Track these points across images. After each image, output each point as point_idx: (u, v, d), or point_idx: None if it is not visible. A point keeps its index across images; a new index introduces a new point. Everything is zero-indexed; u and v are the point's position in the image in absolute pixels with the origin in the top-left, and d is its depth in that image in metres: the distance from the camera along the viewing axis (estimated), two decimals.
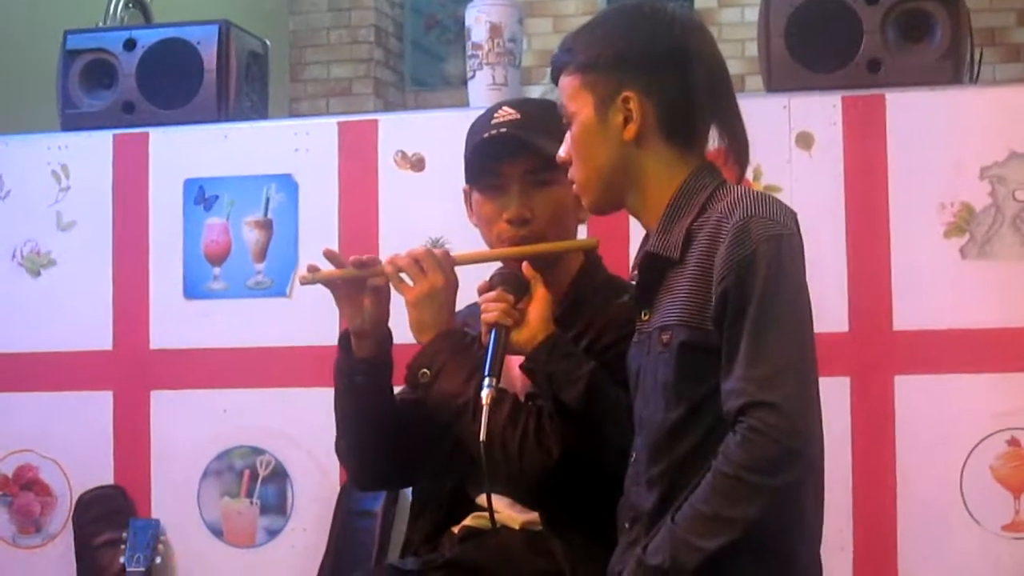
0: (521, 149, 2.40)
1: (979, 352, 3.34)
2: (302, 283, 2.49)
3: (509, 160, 2.42)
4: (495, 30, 3.77)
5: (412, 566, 2.42)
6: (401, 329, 2.44)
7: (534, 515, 2.37)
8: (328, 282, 2.47)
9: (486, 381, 2.22)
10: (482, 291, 2.36)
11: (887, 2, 3.48)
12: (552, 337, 2.29)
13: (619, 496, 2.18)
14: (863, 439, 3.35)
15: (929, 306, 3.37)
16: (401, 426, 2.49)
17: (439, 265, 2.39)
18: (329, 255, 2.47)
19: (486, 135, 2.44)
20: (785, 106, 3.45)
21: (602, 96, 2.13)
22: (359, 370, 2.47)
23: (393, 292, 2.44)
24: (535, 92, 6.34)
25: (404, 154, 3.66)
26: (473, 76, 3.81)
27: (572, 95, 2.16)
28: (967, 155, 3.36)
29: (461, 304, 2.47)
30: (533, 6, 6.98)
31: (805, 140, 3.44)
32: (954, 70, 3.46)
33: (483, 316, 2.31)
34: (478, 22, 3.79)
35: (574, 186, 2.20)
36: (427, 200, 3.60)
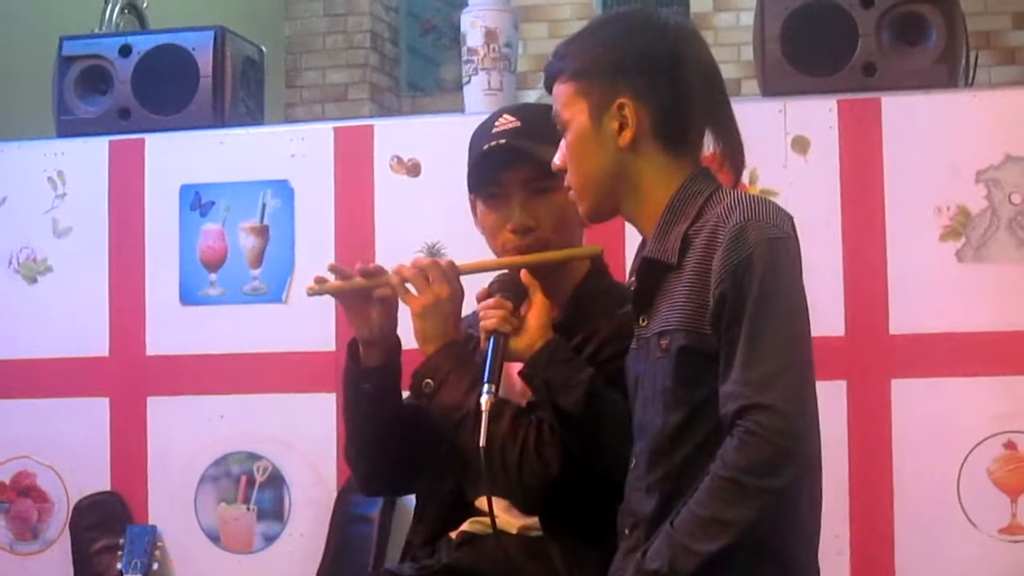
0: (521, 159, 2.40)
1: (975, 355, 3.34)
2: (309, 294, 2.49)
3: (510, 170, 2.42)
4: (491, 35, 3.77)
5: (409, 571, 2.43)
6: (410, 337, 2.44)
7: (532, 520, 2.37)
8: (334, 293, 2.47)
9: (485, 388, 2.22)
10: (481, 298, 2.36)
11: (882, 6, 3.48)
12: (551, 343, 2.29)
13: (617, 502, 2.18)
14: (859, 443, 3.35)
15: (925, 309, 3.38)
16: (409, 432, 2.49)
17: (444, 276, 2.39)
18: (334, 269, 2.47)
19: (486, 146, 2.44)
20: (781, 110, 3.45)
21: (597, 103, 2.13)
22: (367, 379, 2.47)
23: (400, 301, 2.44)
24: (530, 97, 6.34)
25: (400, 159, 3.66)
26: (469, 81, 3.81)
27: (566, 102, 2.17)
28: (963, 158, 3.37)
29: (466, 312, 2.47)
30: (528, 11, 6.99)
31: (801, 144, 3.45)
32: (949, 73, 3.47)
33: (482, 323, 2.32)
34: (474, 27, 3.79)
35: (570, 193, 2.21)
36: (423, 205, 3.60)
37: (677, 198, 2.12)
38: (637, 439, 2.13)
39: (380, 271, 2.45)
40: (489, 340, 2.29)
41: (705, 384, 2.01)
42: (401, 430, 2.49)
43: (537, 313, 2.31)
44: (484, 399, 2.21)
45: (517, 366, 2.34)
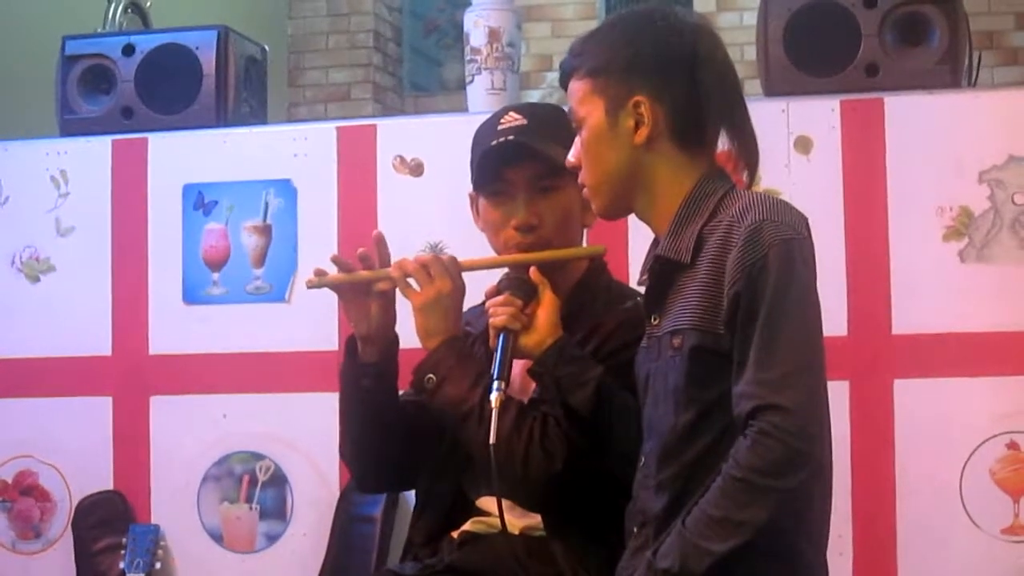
0: (528, 156, 2.41)
1: (978, 355, 3.34)
2: (308, 287, 2.48)
3: (516, 167, 2.42)
4: (494, 35, 3.77)
5: (411, 571, 2.43)
6: (408, 333, 2.44)
7: (534, 519, 2.37)
8: (334, 287, 2.47)
9: (495, 384, 2.22)
10: (490, 295, 2.36)
11: (885, 6, 3.48)
12: (560, 341, 2.29)
13: (623, 501, 2.18)
14: (862, 443, 3.35)
15: (928, 310, 3.38)
16: (405, 429, 2.49)
17: (446, 271, 2.39)
18: (336, 260, 2.47)
19: (493, 142, 2.44)
20: (783, 110, 3.45)
21: (613, 101, 2.13)
22: (365, 374, 2.47)
23: (399, 297, 2.44)
24: (533, 96, 6.34)
25: (403, 159, 3.66)
26: (472, 81, 3.81)
27: (582, 99, 2.17)
28: (966, 159, 3.37)
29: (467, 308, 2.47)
30: (532, 10, 6.98)
31: (804, 144, 3.45)
32: (952, 74, 3.47)
33: (491, 320, 2.31)
34: (477, 27, 3.79)
35: (584, 191, 2.21)
36: (426, 205, 3.60)
37: (691, 197, 2.12)
38: (647, 438, 2.14)
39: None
40: (498, 337, 2.29)
41: (717, 384, 2.02)
42: (398, 427, 2.49)
43: (547, 311, 2.32)
44: (494, 396, 2.21)
45: (519, 363, 2.34)
